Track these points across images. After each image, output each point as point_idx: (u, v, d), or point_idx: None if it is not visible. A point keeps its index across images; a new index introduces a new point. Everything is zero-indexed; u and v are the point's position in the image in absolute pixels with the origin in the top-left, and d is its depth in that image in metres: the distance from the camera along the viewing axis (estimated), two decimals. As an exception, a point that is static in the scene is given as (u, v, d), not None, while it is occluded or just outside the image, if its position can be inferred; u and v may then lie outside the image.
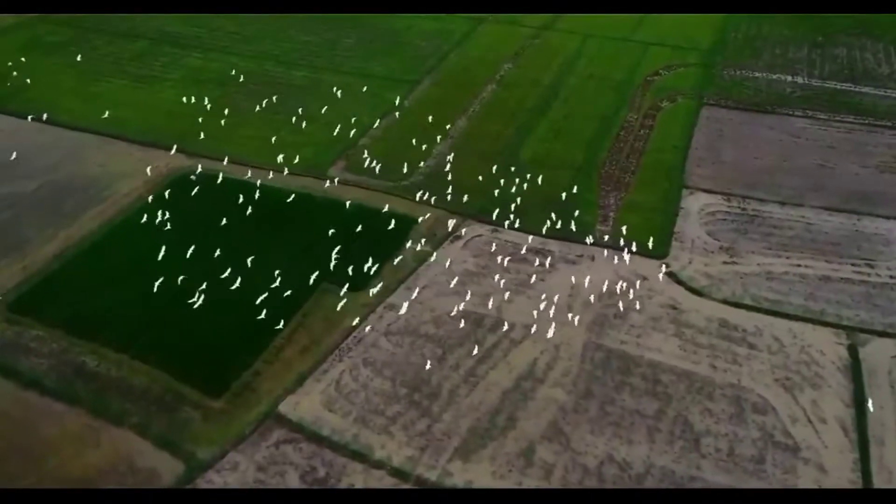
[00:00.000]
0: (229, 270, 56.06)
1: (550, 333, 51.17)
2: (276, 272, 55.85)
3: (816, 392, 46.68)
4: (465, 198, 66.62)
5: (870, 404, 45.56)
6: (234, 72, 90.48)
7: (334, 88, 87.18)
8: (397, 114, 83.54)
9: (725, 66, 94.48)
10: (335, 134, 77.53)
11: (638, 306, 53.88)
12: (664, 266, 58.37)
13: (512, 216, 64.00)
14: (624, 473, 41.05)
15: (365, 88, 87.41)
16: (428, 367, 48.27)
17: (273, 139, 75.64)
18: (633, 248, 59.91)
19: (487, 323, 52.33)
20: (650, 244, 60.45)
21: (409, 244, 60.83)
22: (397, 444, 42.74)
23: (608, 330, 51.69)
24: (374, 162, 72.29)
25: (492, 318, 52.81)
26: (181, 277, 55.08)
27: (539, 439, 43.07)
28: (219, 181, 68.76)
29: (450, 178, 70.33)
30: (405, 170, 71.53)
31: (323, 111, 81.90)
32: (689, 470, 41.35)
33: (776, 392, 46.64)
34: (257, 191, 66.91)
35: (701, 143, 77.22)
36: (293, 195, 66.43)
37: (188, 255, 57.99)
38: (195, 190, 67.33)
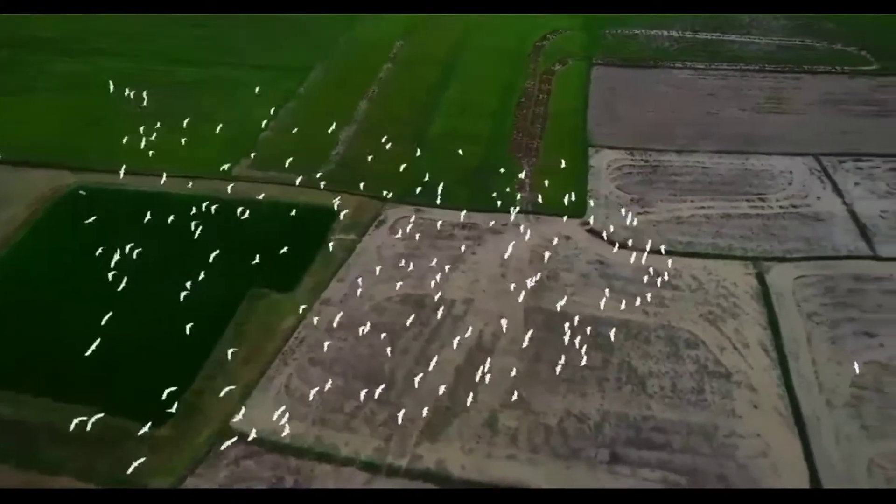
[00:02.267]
0: (145, 290, 52.62)
1: (491, 305, 52.14)
2: (199, 285, 53.03)
3: (737, 321, 50.71)
4: (382, 182, 65.88)
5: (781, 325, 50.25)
6: (114, 74, 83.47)
7: (226, 83, 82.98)
8: (295, 104, 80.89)
9: (606, 26, 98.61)
10: (233, 131, 73.98)
11: (567, 266, 55.95)
12: (585, 224, 60.85)
13: (432, 195, 64.09)
14: (583, 425, 42.93)
15: (257, 80, 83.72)
16: (378, 356, 47.88)
17: (168, 143, 71.06)
18: (553, 211, 61.97)
19: (428, 303, 52.48)
20: (568, 205, 62.69)
21: (333, 236, 59.58)
22: (362, 439, 42.26)
23: (544, 293, 53.35)
24: (281, 156, 69.71)
25: (431, 297, 53.00)
26: (90, 304, 51.06)
27: (500, 408, 44.06)
28: (113, 195, 63.92)
29: (362, 163, 69.25)
30: (315, 160, 69.61)
31: (217, 108, 77.84)
32: (641, 411, 43.87)
33: (703, 327, 50.22)
34: (158, 201, 62.73)
35: (597, 103, 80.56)
36: (199, 201, 62.86)
37: (94, 280, 53.74)
38: (87, 207, 62.09)
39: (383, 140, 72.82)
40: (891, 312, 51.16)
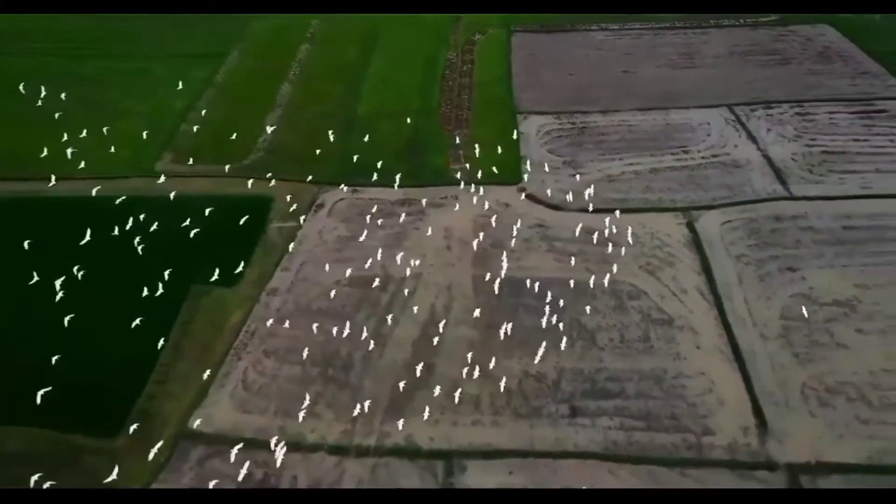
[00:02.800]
0: (84, 301, 50.02)
1: (439, 277, 52.61)
2: (138, 289, 50.85)
3: (673, 269, 53.27)
4: (315, 165, 64.85)
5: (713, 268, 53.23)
6: (18, 74, 77.42)
7: (138, 76, 78.85)
8: (213, 92, 77.90)
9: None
10: (152, 126, 70.64)
11: (509, 232, 56.97)
12: (522, 190, 62.01)
13: (367, 174, 63.59)
14: (541, 384, 44.32)
15: (171, 71, 79.97)
16: (332, 340, 47.58)
17: (87, 144, 67.07)
18: (490, 180, 62.78)
19: (377, 283, 52.40)
20: (504, 173, 63.67)
21: (271, 224, 58.35)
22: (327, 424, 42.14)
23: (490, 260, 54.22)
24: (205, 147, 67.36)
25: (379, 276, 52.93)
26: (29, 320, 48.31)
27: (460, 377, 44.82)
28: (29, 204, 60.09)
29: (292, 148, 67.84)
30: (242, 149, 67.63)
31: (132, 103, 74.08)
32: (594, 364, 45.65)
33: (643, 278, 52.49)
34: (85, 206, 59.49)
35: (520, 69, 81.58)
36: (127, 202, 59.96)
37: (31, 296, 50.68)
38: (15, 219, 58.20)
39: (311, 122, 71.41)
40: (809, 247, 54.97)
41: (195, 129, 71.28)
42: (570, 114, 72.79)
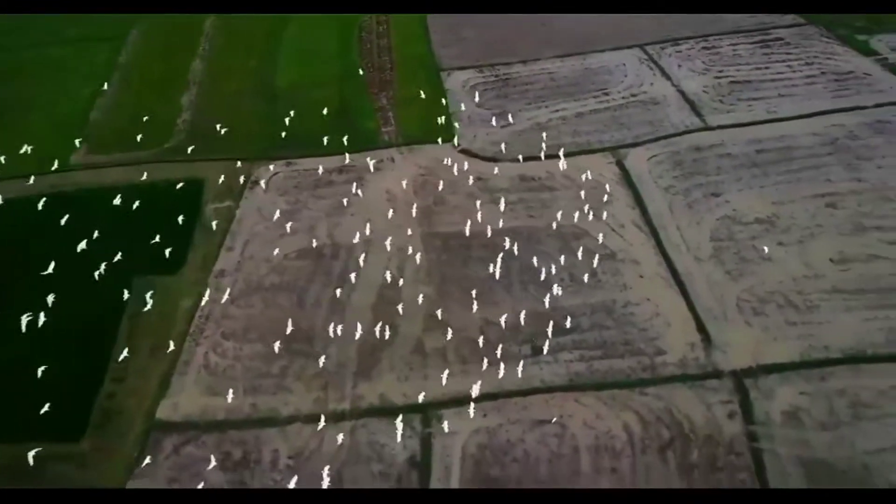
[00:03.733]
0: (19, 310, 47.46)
1: (388, 241, 52.99)
2: (76, 289, 48.66)
3: (610, 207, 55.76)
4: (241, 141, 63.18)
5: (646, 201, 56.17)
6: None
7: (38, 64, 73.33)
8: (120, 75, 73.70)
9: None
10: (58, 116, 66.44)
11: (451, 189, 57.83)
12: (456, 146, 62.73)
13: (298, 145, 62.52)
14: (502, 330, 45.90)
15: (71, 55, 74.82)
16: (290, 315, 47.36)
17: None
18: (424, 139, 63.14)
19: (326, 252, 52.28)
20: (436, 130, 64.15)
21: (207, 207, 56.73)
22: (298, 395, 42.37)
23: (435, 218, 55.05)
24: (120, 134, 64.11)
25: (327, 245, 52.81)
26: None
27: (423, 334, 45.86)
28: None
29: (214, 126, 65.55)
30: (161, 132, 64.82)
31: (35, 93, 69.00)
32: (549, 304, 47.66)
33: (583, 218, 54.72)
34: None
35: (437, 26, 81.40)
36: (44, 200, 56.68)
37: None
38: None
39: (230, 99, 69.09)
40: (728, 172, 58.75)
41: (105, 116, 67.56)
42: (491, 66, 73.64)
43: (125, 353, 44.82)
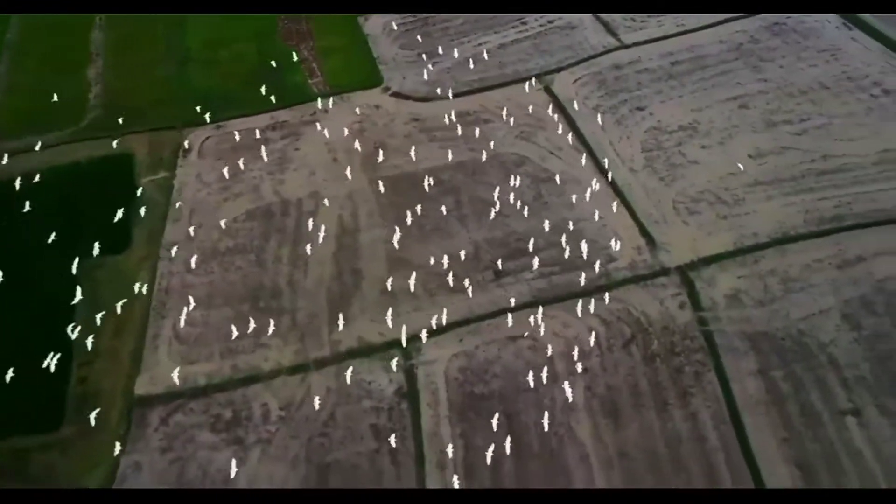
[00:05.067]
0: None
1: (336, 191, 53.22)
2: (24, 282, 46.68)
3: (545, 132, 57.87)
4: (163, 110, 60.76)
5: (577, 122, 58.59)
6: None
7: None
8: (11, 54, 68.42)
9: None
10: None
11: (388, 132, 58.20)
12: (387, 90, 62.72)
13: (224, 107, 60.74)
14: (463, 259, 47.71)
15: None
16: (251, 275, 47.39)
17: None
18: (353, 87, 62.69)
19: (275, 210, 52.03)
20: (364, 77, 63.74)
21: (142, 180, 54.82)
22: (277, 349, 43.01)
23: (379, 162, 55.49)
24: (27, 116, 60.22)
25: (276, 203, 52.52)
26: None
27: (388, 275, 47.07)
28: None
29: (130, 97, 62.67)
30: (73, 110, 61.29)
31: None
32: (503, 230, 49.67)
33: (521, 146, 56.64)
34: None
35: (346, -29, 79.14)
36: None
37: None
38: None
39: (141, 67, 65.81)
40: (648, 87, 61.77)
41: (5, 97, 62.98)
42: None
43: (90, 338, 43.70)
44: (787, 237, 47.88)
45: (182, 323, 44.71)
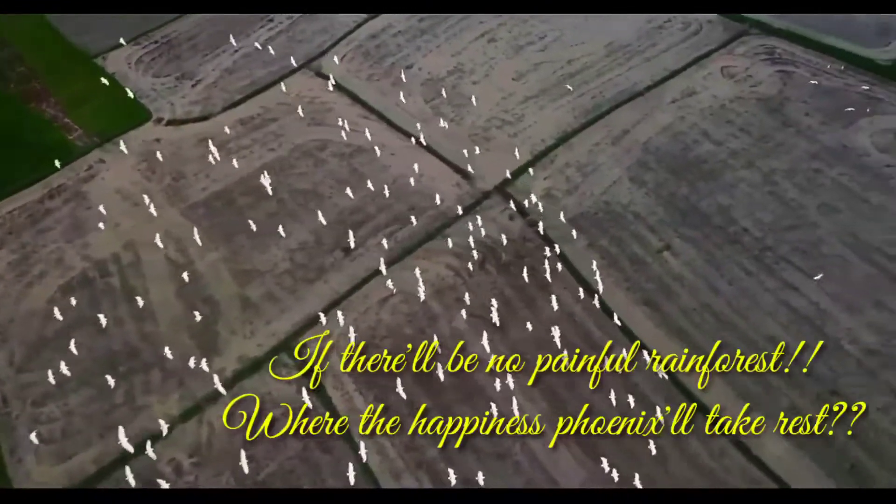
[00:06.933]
0: None
1: (151, 233, 50.15)
2: None
3: (333, 112, 59.60)
4: None
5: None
6: None
7: None
8: None
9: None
10: None
11: (179, 159, 56.05)
12: (159, 121, 59.97)
13: (-18, 192, 53.80)
14: (305, 250, 48.51)
15: None
16: (98, 345, 43.71)
17: None
18: (122, 129, 58.96)
19: (92, 274, 47.93)
20: (128, 116, 60.21)
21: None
22: (160, 404, 40.50)
23: (183, 191, 53.46)
24: None
25: (89, 267, 48.35)
26: None
27: (241, 290, 46.29)
28: None
29: None
30: None
31: None
32: (333, 211, 50.92)
33: (317, 130, 57.91)
34: None
35: (60, 19, 72.57)
36: None
37: None
38: None
39: None
40: (407, 46, 66.14)
41: None
42: (145, 34, 69.45)
43: None
44: (567, 134, 55.54)
45: (38, 424, 40.14)
